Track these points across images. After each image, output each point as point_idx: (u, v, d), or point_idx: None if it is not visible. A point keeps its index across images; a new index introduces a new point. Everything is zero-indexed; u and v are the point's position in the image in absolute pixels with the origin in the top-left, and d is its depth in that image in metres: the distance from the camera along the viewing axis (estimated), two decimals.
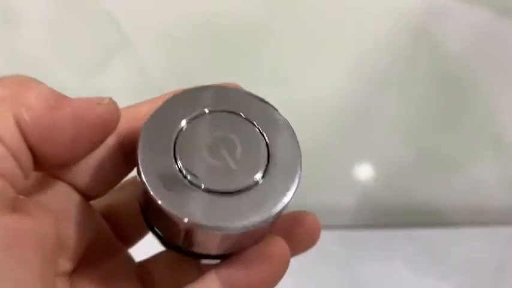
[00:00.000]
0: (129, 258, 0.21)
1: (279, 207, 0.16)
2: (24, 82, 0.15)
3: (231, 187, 0.16)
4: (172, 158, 0.16)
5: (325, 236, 0.52)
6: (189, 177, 0.16)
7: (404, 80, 0.51)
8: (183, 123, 0.17)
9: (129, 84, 0.46)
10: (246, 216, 0.16)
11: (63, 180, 0.18)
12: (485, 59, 0.50)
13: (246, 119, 0.18)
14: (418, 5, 0.47)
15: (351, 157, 0.54)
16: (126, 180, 0.21)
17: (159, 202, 0.15)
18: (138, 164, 0.16)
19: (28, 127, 0.14)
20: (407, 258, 0.50)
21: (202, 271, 0.20)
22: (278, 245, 0.18)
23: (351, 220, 0.56)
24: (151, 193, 0.16)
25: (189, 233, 0.16)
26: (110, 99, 0.16)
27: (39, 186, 0.17)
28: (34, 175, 0.17)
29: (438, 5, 0.48)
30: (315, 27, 0.47)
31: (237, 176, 0.16)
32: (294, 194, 0.17)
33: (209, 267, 0.18)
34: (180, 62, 0.47)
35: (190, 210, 0.15)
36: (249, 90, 0.19)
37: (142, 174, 0.16)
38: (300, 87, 0.49)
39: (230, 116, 0.18)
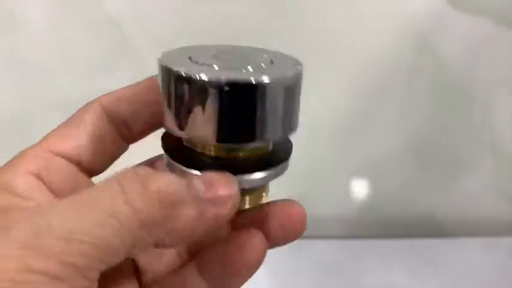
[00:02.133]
0: None
1: (293, 71, 0.18)
2: (170, 202, 0.15)
3: (241, 66, 0.17)
4: (188, 59, 0.18)
5: (325, 245, 0.52)
6: (200, 62, 0.18)
7: (405, 90, 0.51)
8: (195, 52, 0.19)
9: None
10: (259, 75, 0.16)
11: (69, 160, 0.19)
12: (485, 68, 0.50)
13: (253, 49, 0.20)
14: (418, 15, 0.47)
15: (351, 169, 0.54)
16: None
17: (176, 69, 0.17)
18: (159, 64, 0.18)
19: (164, 246, 0.16)
20: (409, 267, 0.49)
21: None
22: (255, 235, 0.19)
23: (352, 231, 0.55)
24: (167, 65, 0.17)
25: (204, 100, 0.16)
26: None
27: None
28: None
29: (439, 15, 0.48)
30: (315, 37, 0.47)
31: (245, 63, 0.18)
32: (301, 70, 0.18)
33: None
34: None
35: (204, 72, 0.16)
36: None
37: (160, 62, 0.18)
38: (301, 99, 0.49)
39: (239, 48, 0.20)
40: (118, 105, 0.20)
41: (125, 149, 0.21)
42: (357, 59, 0.48)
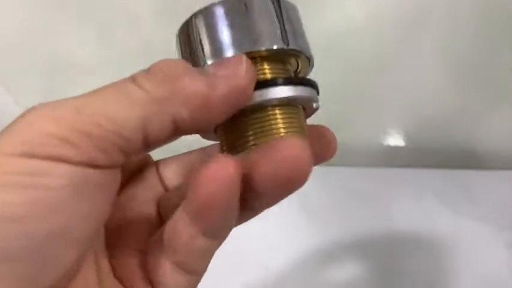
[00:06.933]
0: (154, 185, 0.22)
1: None
2: (175, 76, 0.16)
3: None
4: None
5: (357, 173, 0.52)
6: None
7: (447, 11, 0.47)
8: None
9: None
10: None
11: None
12: None
13: None
14: None
15: (388, 96, 0.52)
16: None
17: None
18: None
19: (184, 122, 0.16)
20: (442, 197, 0.49)
21: None
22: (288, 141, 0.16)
23: (387, 160, 0.55)
24: None
25: None
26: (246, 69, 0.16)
27: None
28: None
29: None
30: None
31: None
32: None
33: None
34: None
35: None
36: None
37: None
38: (339, 15, 0.47)
39: None
40: None
41: None
42: None
